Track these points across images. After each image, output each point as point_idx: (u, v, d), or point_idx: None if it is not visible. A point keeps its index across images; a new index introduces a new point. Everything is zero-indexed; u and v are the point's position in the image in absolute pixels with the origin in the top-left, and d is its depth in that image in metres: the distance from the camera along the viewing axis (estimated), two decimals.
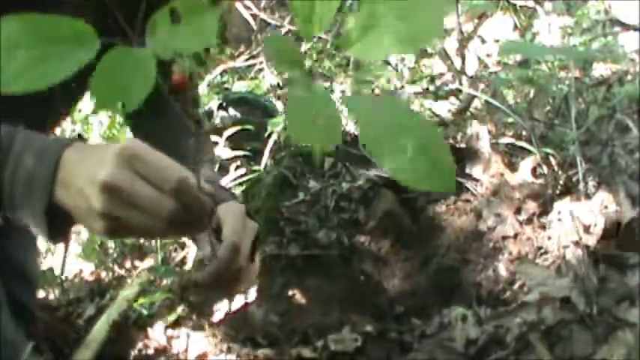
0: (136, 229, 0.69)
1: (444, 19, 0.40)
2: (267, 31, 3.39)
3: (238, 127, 1.94)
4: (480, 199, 1.53)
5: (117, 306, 1.42)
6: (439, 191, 0.37)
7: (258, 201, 1.64)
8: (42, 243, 1.57)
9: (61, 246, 1.62)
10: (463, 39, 2.09)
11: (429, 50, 2.76)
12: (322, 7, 0.40)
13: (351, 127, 1.94)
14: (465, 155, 1.65)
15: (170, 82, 0.97)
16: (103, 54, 0.44)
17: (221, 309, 1.39)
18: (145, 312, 1.42)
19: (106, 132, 2.07)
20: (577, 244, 1.25)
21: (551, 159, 1.52)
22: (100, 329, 1.35)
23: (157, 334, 1.39)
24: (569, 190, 1.45)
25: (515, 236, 1.41)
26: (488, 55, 2.41)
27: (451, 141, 1.82)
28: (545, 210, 1.43)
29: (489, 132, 1.67)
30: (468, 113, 1.96)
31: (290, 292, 1.45)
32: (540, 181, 1.50)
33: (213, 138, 1.88)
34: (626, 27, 2.13)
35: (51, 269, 1.59)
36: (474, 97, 1.93)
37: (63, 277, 1.59)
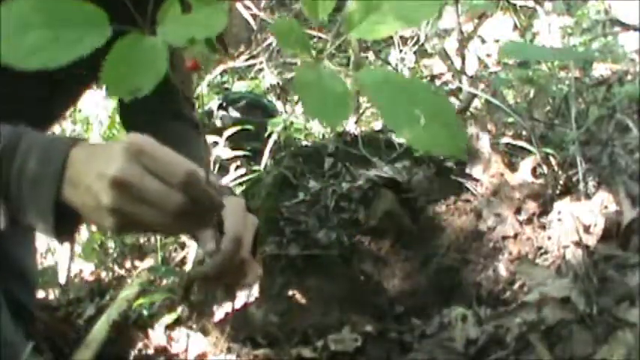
0: (145, 224, 0.69)
1: None
2: (267, 31, 3.39)
3: (238, 127, 1.94)
4: (479, 199, 1.53)
5: (117, 306, 1.42)
6: (453, 155, 0.38)
7: (258, 201, 1.64)
8: (41, 242, 1.57)
9: (60, 246, 1.62)
10: (463, 39, 2.09)
11: (429, 50, 2.76)
12: None
13: (351, 127, 1.94)
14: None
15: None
16: (114, 41, 0.44)
17: (221, 309, 1.39)
18: (145, 312, 1.42)
19: (106, 132, 2.08)
20: (577, 244, 1.25)
21: (551, 159, 1.52)
22: (100, 329, 1.35)
23: (157, 334, 1.39)
24: (569, 190, 1.45)
25: (515, 236, 1.41)
26: (488, 55, 2.42)
27: None
28: (545, 210, 1.43)
29: (489, 132, 1.67)
30: (468, 113, 1.96)
31: (290, 292, 1.45)
32: (540, 181, 1.50)
33: (214, 138, 1.89)
34: (626, 27, 2.13)
35: (51, 268, 1.60)
36: (474, 97, 1.93)
37: (66, 279, 1.59)
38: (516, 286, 1.33)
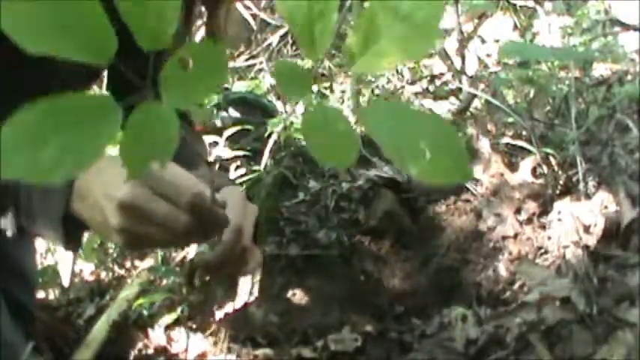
0: (153, 243, 0.71)
1: (441, 15, 0.40)
2: (267, 31, 3.39)
3: (238, 127, 1.94)
4: (479, 199, 1.53)
5: (117, 306, 1.42)
6: (459, 181, 0.38)
7: (258, 201, 1.64)
8: (41, 242, 1.57)
9: (60, 246, 1.62)
10: (463, 39, 2.09)
11: (429, 50, 2.76)
12: (321, 29, 0.40)
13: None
14: None
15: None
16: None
17: (221, 309, 1.39)
18: (145, 312, 1.42)
19: None
20: (577, 244, 1.25)
21: (551, 159, 1.52)
22: (100, 329, 1.35)
23: (156, 334, 1.39)
24: (569, 190, 1.45)
25: (515, 236, 1.41)
26: (488, 55, 2.42)
27: None
28: (545, 210, 1.43)
29: (489, 132, 1.67)
30: (468, 113, 1.96)
31: (290, 292, 1.45)
32: (540, 181, 1.50)
33: (214, 138, 1.88)
34: (626, 27, 2.13)
35: (51, 268, 1.59)
36: (474, 97, 1.93)
37: (67, 280, 1.59)
38: (516, 286, 1.33)
